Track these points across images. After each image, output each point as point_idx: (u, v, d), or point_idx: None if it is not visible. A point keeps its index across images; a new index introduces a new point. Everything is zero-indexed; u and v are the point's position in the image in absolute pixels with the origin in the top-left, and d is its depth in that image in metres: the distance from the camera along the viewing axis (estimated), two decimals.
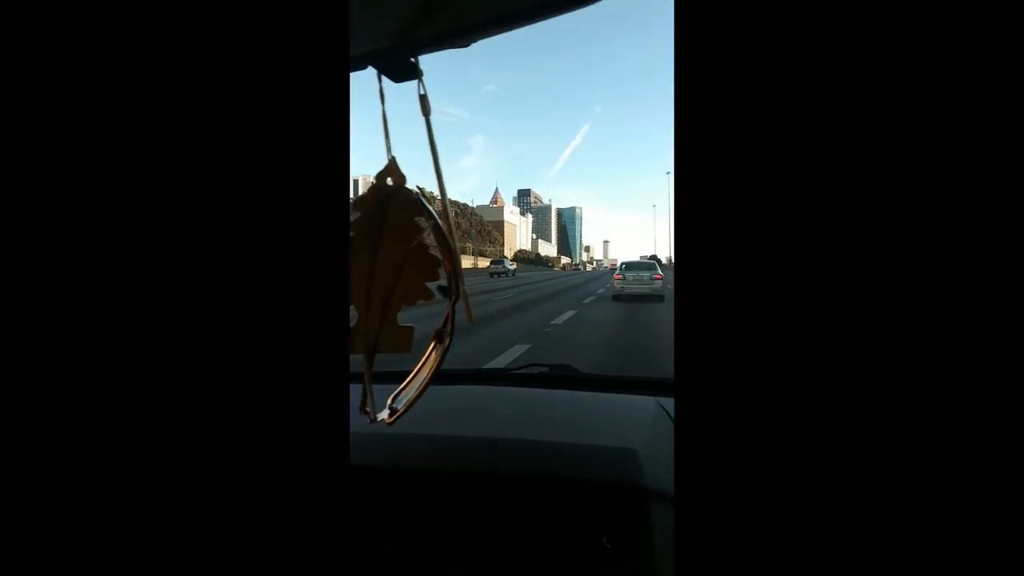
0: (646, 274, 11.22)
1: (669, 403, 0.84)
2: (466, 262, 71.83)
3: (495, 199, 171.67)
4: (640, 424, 0.78)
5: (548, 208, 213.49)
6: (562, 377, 1.09)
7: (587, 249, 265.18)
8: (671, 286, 9.68)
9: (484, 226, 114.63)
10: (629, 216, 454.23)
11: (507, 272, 30.64)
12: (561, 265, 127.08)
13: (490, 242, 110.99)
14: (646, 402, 0.87)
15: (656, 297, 10.66)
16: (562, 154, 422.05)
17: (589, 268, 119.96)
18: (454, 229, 0.43)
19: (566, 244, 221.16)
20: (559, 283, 24.25)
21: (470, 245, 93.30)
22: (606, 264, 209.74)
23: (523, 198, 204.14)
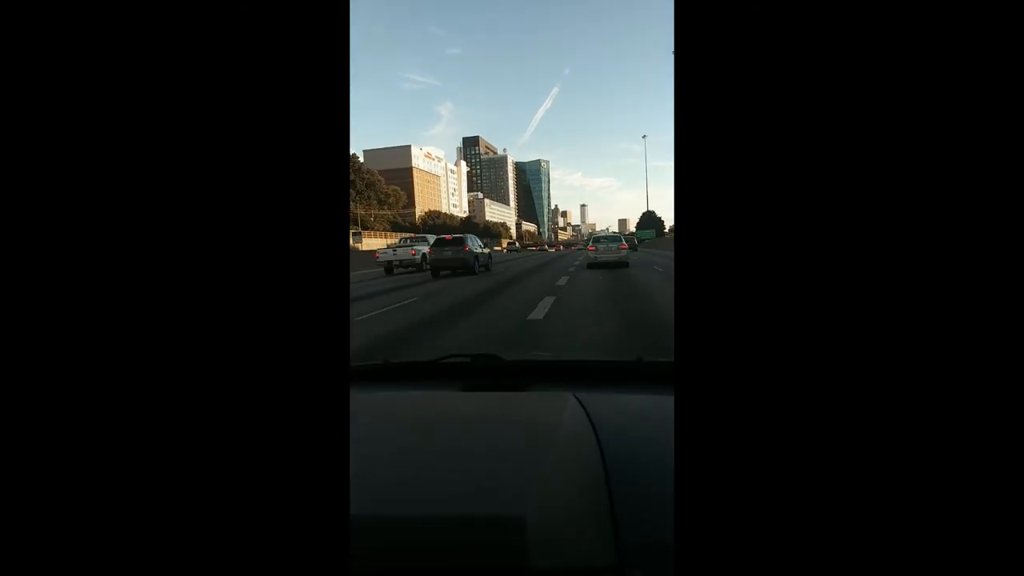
0: (613, 245, 14.89)
1: (587, 396, 0.70)
2: None
3: (457, 162, 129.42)
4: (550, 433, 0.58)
5: (502, 160, 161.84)
6: (485, 369, 0.98)
7: (563, 214, 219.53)
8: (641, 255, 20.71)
9: (370, 177, 67.58)
10: (605, 180, 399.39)
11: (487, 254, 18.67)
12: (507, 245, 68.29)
13: (380, 202, 66.13)
14: (563, 399, 0.71)
15: (622, 263, 13.77)
16: (532, 118, 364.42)
17: (551, 250, 59.22)
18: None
19: (530, 207, 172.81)
20: None
21: None
22: (585, 233, 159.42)
23: (470, 148, 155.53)
